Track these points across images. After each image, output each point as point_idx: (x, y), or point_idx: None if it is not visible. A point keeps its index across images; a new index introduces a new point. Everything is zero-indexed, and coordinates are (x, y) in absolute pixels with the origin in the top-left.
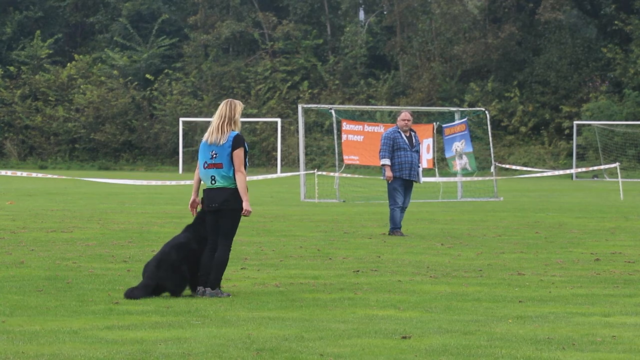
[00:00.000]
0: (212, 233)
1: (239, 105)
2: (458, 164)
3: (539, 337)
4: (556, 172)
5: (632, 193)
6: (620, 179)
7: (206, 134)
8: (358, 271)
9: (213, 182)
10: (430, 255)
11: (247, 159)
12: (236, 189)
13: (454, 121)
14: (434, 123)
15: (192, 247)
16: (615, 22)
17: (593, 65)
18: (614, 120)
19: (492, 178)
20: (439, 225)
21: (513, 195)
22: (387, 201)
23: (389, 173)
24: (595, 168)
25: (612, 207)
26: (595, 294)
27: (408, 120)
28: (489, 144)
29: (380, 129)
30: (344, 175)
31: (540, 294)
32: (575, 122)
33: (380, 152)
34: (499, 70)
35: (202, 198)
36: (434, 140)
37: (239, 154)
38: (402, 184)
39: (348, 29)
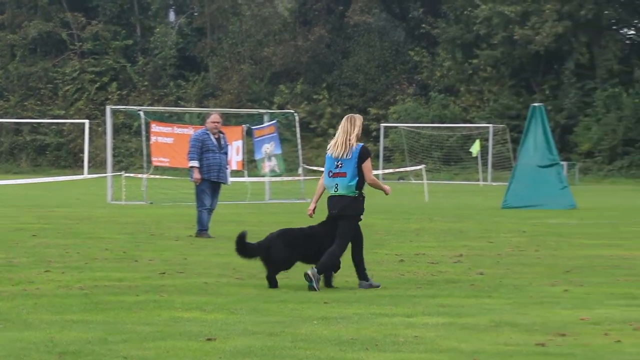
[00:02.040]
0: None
1: (359, 119)
2: (267, 166)
3: (343, 338)
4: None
5: (437, 195)
6: (425, 181)
7: (330, 147)
8: (164, 273)
9: (336, 190)
10: (237, 257)
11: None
12: (355, 197)
13: (263, 123)
14: (244, 125)
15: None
16: (423, 25)
17: (401, 68)
18: (420, 123)
19: (300, 179)
20: (247, 226)
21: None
22: (195, 203)
23: (196, 175)
24: (401, 170)
25: (417, 209)
26: (399, 295)
27: (217, 123)
28: (298, 146)
29: (189, 131)
30: (152, 177)
31: (345, 295)
32: (382, 125)
33: (188, 154)
34: (308, 73)
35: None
36: (243, 142)
37: (367, 165)
38: (210, 185)
39: (158, 30)
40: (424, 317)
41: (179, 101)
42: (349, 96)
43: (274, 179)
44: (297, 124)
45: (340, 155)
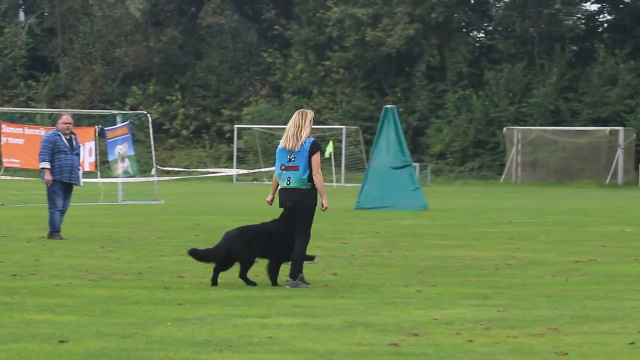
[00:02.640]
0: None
1: (310, 114)
2: (120, 167)
3: (197, 339)
4: (220, 173)
5: None
6: None
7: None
8: (15, 275)
9: (288, 182)
10: (90, 258)
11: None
12: (308, 189)
13: (115, 124)
14: (96, 126)
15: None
16: (276, 27)
17: (254, 69)
18: (273, 124)
19: (153, 179)
20: (100, 228)
21: (174, 198)
22: (47, 204)
23: (48, 176)
24: (255, 171)
25: (271, 210)
26: (253, 296)
27: (69, 123)
28: (151, 147)
29: (40, 132)
30: (3, 177)
31: (200, 296)
32: (235, 126)
33: (39, 155)
34: (161, 74)
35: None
36: (96, 143)
37: (316, 158)
38: (62, 187)
39: (7, 29)
40: (278, 317)
41: (30, 102)
42: (202, 97)
43: (127, 180)
44: (150, 125)
45: (292, 148)
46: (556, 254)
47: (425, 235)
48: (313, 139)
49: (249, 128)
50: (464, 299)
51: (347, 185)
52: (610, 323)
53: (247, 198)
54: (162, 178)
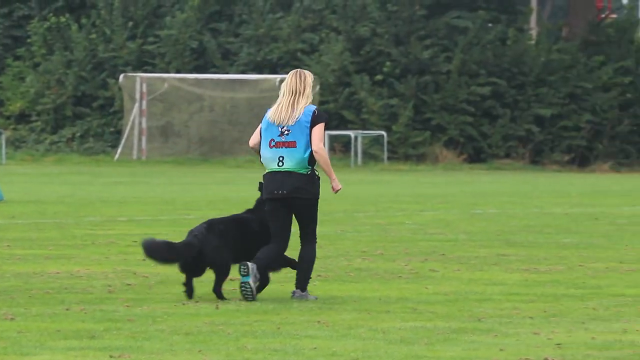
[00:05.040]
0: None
1: (309, 77)
2: None
3: None
4: None
5: None
6: None
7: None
8: None
9: (281, 163)
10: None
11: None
12: (309, 175)
13: None
14: None
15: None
16: None
17: None
18: None
19: None
20: None
21: None
22: None
23: None
24: None
25: None
26: None
27: None
28: None
29: None
30: None
31: None
32: None
33: None
34: None
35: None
36: None
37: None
38: None
39: None
40: None
41: None
42: None
43: None
44: None
45: (285, 122)
46: None
47: None
48: (315, 106)
49: None
50: (59, 339)
51: None
52: None
53: None
54: None
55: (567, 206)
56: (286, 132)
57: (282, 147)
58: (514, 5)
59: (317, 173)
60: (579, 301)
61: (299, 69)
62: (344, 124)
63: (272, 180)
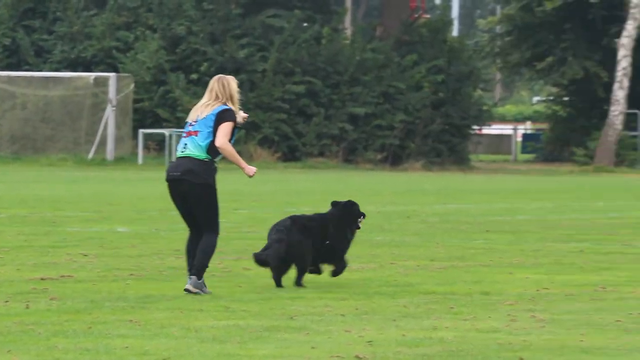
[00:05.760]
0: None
1: (233, 82)
2: None
3: None
4: None
5: None
6: None
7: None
8: None
9: (184, 149)
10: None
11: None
12: (205, 161)
13: None
14: None
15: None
16: None
17: None
18: None
19: None
20: None
21: None
22: None
23: None
24: None
25: None
26: None
27: None
28: None
29: None
30: None
31: None
32: None
33: None
34: None
35: None
36: None
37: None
38: None
39: None
40: None
41: None
42: None
43: None
44: None
45: (196, 118)
46: (12, 267)
47: None
48: (228, 107)
49: None
50: None
51: None
52: None
53: None
54: None
55: (380, 204)
56: (194, 124)
57: (188, 137)
58: (328, 5)
59: (215, 164)
60: (390, 299)
61: (221, 75)
62: (158, 122)
63: (173, 164)
